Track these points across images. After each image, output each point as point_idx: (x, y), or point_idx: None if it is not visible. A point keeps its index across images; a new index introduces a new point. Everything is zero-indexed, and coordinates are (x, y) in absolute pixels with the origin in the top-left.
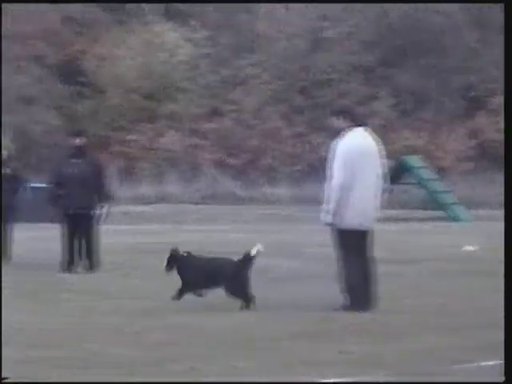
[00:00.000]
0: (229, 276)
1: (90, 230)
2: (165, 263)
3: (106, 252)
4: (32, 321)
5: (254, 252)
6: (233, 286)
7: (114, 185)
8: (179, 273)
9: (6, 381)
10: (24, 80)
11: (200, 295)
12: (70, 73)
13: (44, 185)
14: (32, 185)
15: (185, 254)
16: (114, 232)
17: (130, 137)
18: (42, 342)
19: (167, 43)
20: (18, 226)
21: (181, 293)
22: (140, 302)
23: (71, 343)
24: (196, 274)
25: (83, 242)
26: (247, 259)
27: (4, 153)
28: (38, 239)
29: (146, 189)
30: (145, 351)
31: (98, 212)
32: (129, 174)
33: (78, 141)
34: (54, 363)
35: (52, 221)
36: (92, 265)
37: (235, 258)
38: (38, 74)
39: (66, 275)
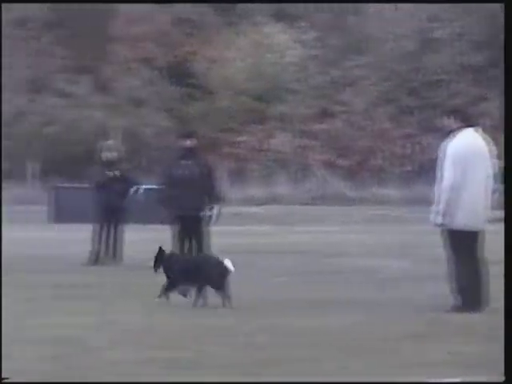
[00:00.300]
0: (213, 273)
1: (200, 231)
2: (153, 262)
3: (216, 253)
4: (142, 322)
5: (229, 266)
6: (218, 283)
7: (224, 186)
8: (165, 271)
9: (5, 381)
10: (134, 82)
11: (185, 295)
12: (180, 75)
13: (155, 186)
14: (145, 186)
15: (169, 253)
16: (224, 233)
17: (239, 138)
18: (151, 343)
19: (276, 44)
20: (129, 227)
21: (165, 291)
22: (249, 303)
23: (180, 344)
24: (181, 272)
25: (194, 243)
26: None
27: (114, 155)
28: (148, 240)
29: (255, 190)
30: (252, 352)
31: (208, 213)
32: (239, 175)
33: (188, 142)
34: (162, 364)
35: (163, 222)
36: None
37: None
38: (149, 76)
39: None
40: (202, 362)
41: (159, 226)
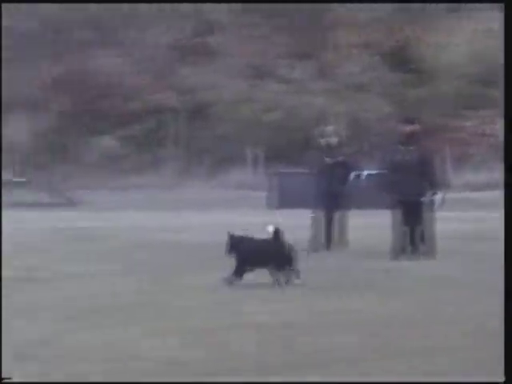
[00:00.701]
0: (278, 255)
1: (422, 216)
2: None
3: (438, 239)
4: (365, 308)
5: (270, 230)
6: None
7: (447, 171)
8: (234, 255)
9: (5, 381)
10: (355, 68)
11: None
12: (401, 60)
13: (376, 172)
14: (365, 172)
15: (237, 236)
16: (447, 219)
17: (461, 123)
18: (375, 330)
19: (497, 29)
20: (351, 212)
21: (234, 274)
22: (473, 288)
23: (391, 331)
24: (246, 254)
25: (416, 228)
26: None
27: (334, 140)
28: (370, 226)
29: (477, 175)
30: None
31: (431, 199)
32: (460, 160)
33: (409, 128)
34: (383, 351)
35: (385, 207)
36: (425, 252)
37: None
38: (370, 61)
39: (399, 262)
40: (391, 349)
41: (381, 211)
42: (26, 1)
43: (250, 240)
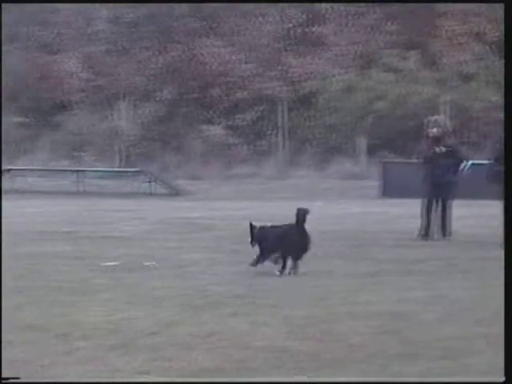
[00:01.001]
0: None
1: None
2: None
3: None
4: (471, 296)
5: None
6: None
7: None
8: (257, 244)
9: (5, 381)
10: (464, 57)
11: (276, 263)
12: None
13: (483, 161)
14: (472, 161)
15: (258, 226)
16: None
17: None
18: (479, 319)
19: None
20: (457, 202)
21: (256, 261)
22: None
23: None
24: (269, 242)
25: None
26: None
27: (439, 130)
28: (477, 216)
29: None
30: None
31: None
32: None
33: None
34: (491, 340)
35: (491, 198)
36: None
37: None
38: (478, 50)
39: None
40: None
41: (488, 202)
42: (27, 1)
43: (269, 230)
